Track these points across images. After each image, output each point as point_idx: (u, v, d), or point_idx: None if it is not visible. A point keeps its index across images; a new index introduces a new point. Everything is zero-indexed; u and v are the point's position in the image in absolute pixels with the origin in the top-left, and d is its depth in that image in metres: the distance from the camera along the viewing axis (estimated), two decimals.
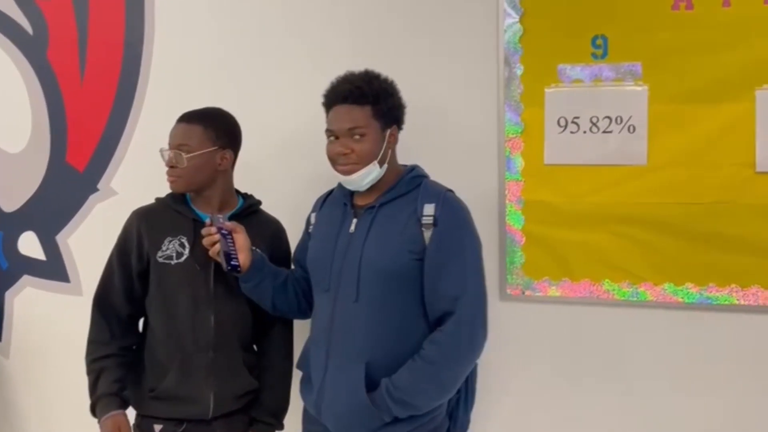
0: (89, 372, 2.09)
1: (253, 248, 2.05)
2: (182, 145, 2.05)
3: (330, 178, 2.07)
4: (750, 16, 2.14)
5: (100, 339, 2.10)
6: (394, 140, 1.98)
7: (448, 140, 2.42)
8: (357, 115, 1.93)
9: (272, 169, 2.59)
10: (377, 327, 1.89)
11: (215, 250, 1.99)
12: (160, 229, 2.09)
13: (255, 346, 2.23)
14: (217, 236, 1.98)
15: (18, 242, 2.96)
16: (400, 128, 2.02)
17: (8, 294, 3.00)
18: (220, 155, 2.10)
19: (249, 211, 2.18)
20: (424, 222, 1.89)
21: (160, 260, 2.07)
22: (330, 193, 2.13)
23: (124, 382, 2.09)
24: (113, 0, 2.73)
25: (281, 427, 2.20)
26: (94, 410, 2.06)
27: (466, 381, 2.02)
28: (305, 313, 2.16)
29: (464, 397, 2.03)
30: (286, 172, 2.59)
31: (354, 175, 1.93)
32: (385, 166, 1.96)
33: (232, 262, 2.00)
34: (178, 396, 2.05)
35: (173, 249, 2.07)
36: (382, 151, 1.93)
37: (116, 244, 2.14)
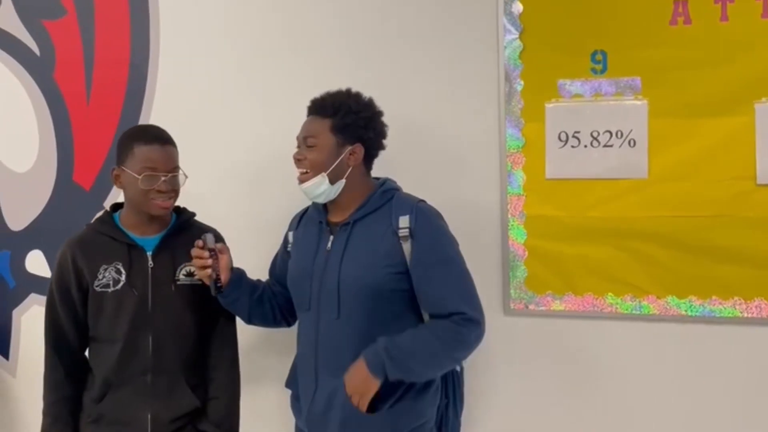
0: (45, 414, 2.09)
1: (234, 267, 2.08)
2: (176, 167, 2.07)
3: None
4: (748, 30, 2.15)
5: (55, 378, 2.09)
6: (355, 158, 1.97)
7: (449, 156, 2.43)
8: (314, 125, 1.99)
9: (275, 185, 2.62)
10: (361, 341, 1.91)
11: (206, 274, 2.01)
12: (95, 257, 2.06)
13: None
14: (211, 260, 1.99)
15: (25, 261, 2.98)
16: (370, 149, 2.01)
17: (15, 312, 3.01)
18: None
19: (184, 226, 2.16)
20: (401, 234, 1.91)
21: (98, 289, 2.04)
22: (306, 211, 2.15)
23: None
24: (119, 21, 2.77)
25: None
26: None
27: (454, 387, 2.06)
28: (280, 323, 2.19)
29: (453, 403, 2.06)
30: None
31: (304, 185, 1.98)
32: (342, 182, 1.97)
33: (217, 284, 2.02)
34: (114, 419, 2.06)
35: (110, 277, 2.05)
36: (334, 165, 1.95)
37: (54, 279, 2.10)
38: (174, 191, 2.05)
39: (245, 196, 2.66)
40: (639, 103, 2.26)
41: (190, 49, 2.71)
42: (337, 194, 1.99)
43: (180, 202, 2.20)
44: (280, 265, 2.18)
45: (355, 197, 2.00)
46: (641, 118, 2.25)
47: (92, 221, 2.15)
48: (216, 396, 2.14)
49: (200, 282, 2.08)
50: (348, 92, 2.01)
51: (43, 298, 2.91)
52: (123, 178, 2.04)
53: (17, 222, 2.99)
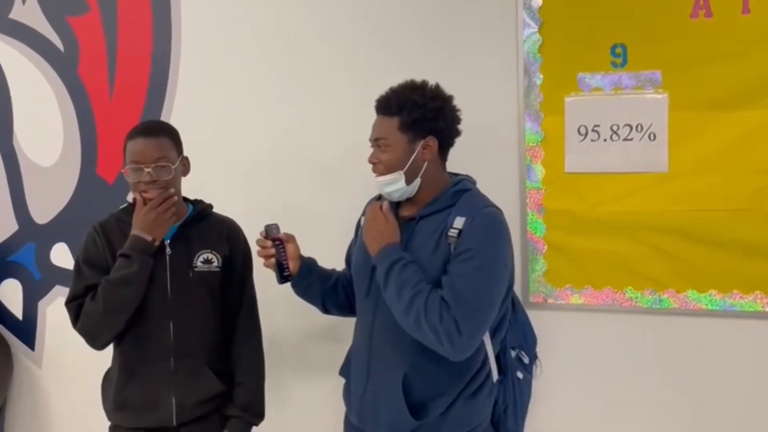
0: (111, 285, 2.00)
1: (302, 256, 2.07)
2: (162, 158, 2.04)
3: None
4: None
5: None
6: (430, 151, 1.90)
7: (468, 149, 2.41)
8: (383, 125, 1.92)
9: (298, 179, 2.64)
10: (413, 338, 1.83)
11: (271, 263, 2.02)
12: (117, 243, 2.09)
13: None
14: (273, 249, 2.00)
15: (50, 253, 3.03)
16: (444, 139, 1.93)
17: (41, 304, 3.07)
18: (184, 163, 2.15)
19: (200, 216, 2.18)
20: (449, 234, 1.83)
21: None
22: (379, 198, 2.08)
23: None
24: (141, 16, 2.81)
25: (255, 420, 2.19)
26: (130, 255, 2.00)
27: (514, 393, 2.00)
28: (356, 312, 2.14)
29: (513, 408, 2.01)
30: (319, 181, 2.63)
31: (379, 179, 1.92)
32: (417, 180, 1.90)
33: (284, 273, 2.02)
34: (138, 405, 2.09)
35: None
36: (409, 163, 1.89)
37: (82, 256, 2.11)
38: (160, 182, 2.03)
39: (265, 190, 2.69)
40: (659, 96, 2.25)
41: (211, 43, 2.73)
42: (413, 193, 1.93)
43: (200, 195, 2.24)
44: (352, 250, 2.15)
45: (428, 193, 1.93)
46: (661, 111, 2.24)
47: (116, 211, 2.19)
48: (242, 382, 2.18)
49: (218, 269, 2.12)
50: (413, 85, 1.94)
51: (67, 290, 2.99)
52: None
53: (42, 215, 3.04)
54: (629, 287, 2.32)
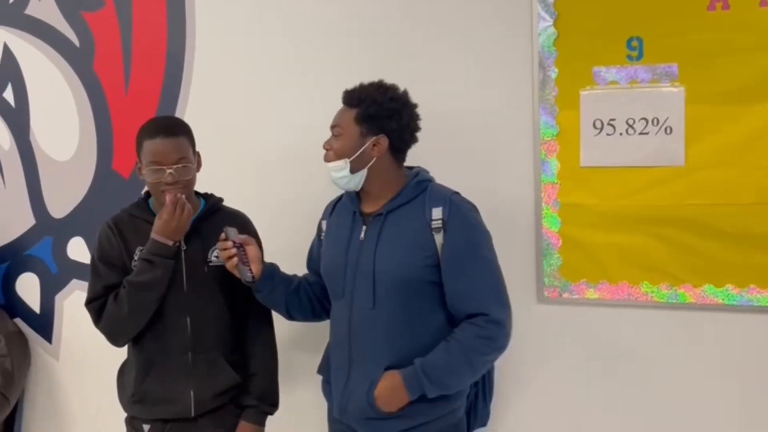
0: (135, 288, 2.04)
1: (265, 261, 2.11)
2: (183, 158, 2.05)
3: None
4: None
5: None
6: (379, 149, 1.98)
7: (483, 144, 2.43)
8: (342, 114, 2.02)
9: (312, 175, 2.64)
10: (395, 331, 1.95)
11: (233, 264, 2.05)
12: (131, 239, 2.12)
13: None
14: (234, 250, 2.03)
15: (67, 247, 3.06)
16: (394, 141, 2.00)
17: (58, 297, 3.10)
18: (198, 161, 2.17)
19: (212, 210, 2.20)
20: (433, 226, 1.93)
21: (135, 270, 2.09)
22: (339, 199, 2.17)
23: None
24: (156, 12, 2.81)
25: (270, 409, 2.24)
26: (151, 260, 2.03)
27: (483, 376, 2.09)
28: (320, 316, 2.22)
29: (482, 392, 2.11)
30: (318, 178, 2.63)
31: (327, 165, 2.01)
32: (363, 172, 1.98)
33: (247, 274, 2.06)
34: (157, 398, 2.12)
35: None
36: (356, 154, 1.97)
37: (97, 254, 2.14)
38: (181, 182, 2.05)
39: (276, 187, 2.69)
40: (675, 89, 2.23)
41: (225, 39, 2.74)
42: (360, 185, 2.01)
43: (212, 190, 2.26)
44: (315, 254, 2.21)
45: (386, 188, 2.01)
46: (678, 105, 2.22)
47: (128, 206, 2.20)
48: (256, 372, 2.21)
49: None
50: (379, 83, 2.02)
51: (84, 284, 2.99)
52: (142, 171, 2.09)
53: (59, 209, 3.06)
54: (645, 282, 2.31)
